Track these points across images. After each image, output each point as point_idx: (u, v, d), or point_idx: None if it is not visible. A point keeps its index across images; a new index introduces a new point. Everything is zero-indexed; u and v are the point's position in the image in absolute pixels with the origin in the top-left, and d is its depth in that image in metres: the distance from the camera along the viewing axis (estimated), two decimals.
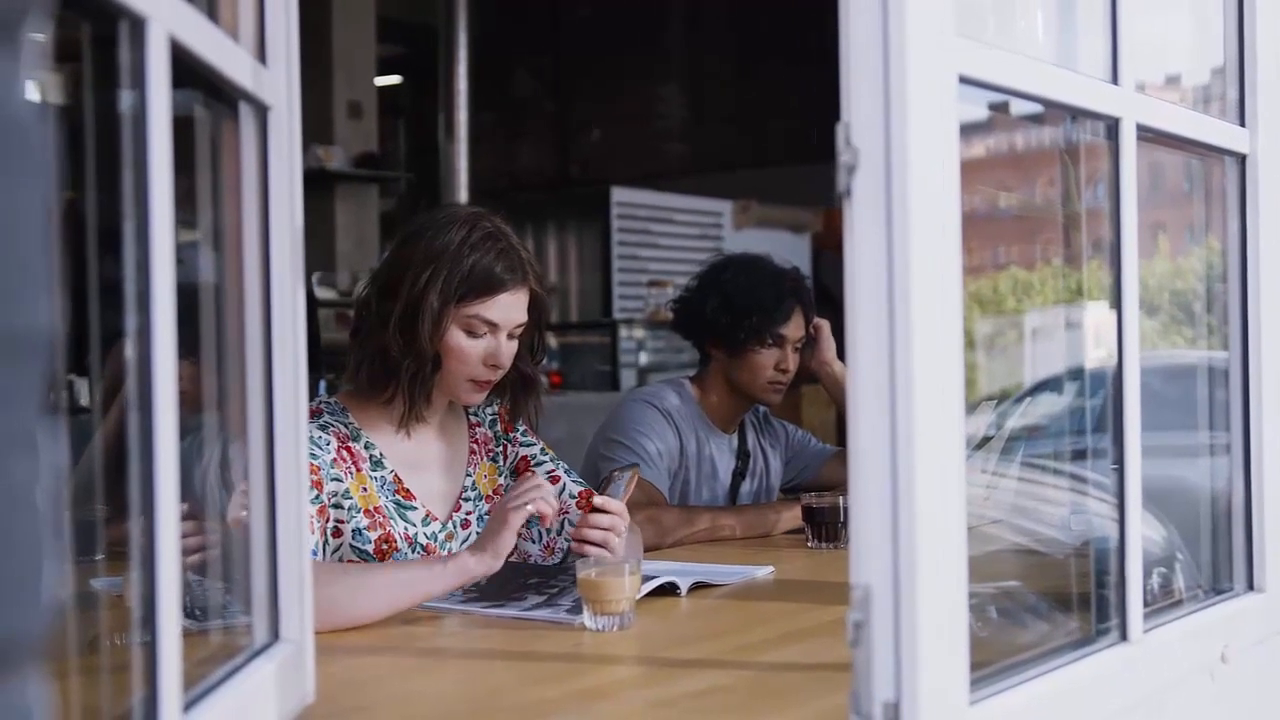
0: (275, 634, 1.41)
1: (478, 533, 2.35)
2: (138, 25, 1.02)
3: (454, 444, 2.42)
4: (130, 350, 1.04)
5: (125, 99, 1.04)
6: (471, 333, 2.25)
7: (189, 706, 1.13)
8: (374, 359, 2.26)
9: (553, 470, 2.46)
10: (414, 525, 2.29)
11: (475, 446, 2.44)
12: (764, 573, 2.43)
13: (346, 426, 2.28)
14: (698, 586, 2.26)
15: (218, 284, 1.41)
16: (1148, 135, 1.63)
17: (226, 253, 1.41)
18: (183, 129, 1.10)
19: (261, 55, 1.39)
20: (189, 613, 1.24)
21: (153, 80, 1.03)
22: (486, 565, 2.01)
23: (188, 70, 1.14)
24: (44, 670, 0.63)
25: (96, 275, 1.08)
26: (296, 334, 1.43)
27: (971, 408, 1.34)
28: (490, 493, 2.43)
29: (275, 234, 1.40)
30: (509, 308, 2.27)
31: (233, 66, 1.27)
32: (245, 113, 1.37)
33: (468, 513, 2.39)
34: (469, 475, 2.42)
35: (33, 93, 0.63)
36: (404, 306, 2.22)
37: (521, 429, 2.49)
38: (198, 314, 1.36)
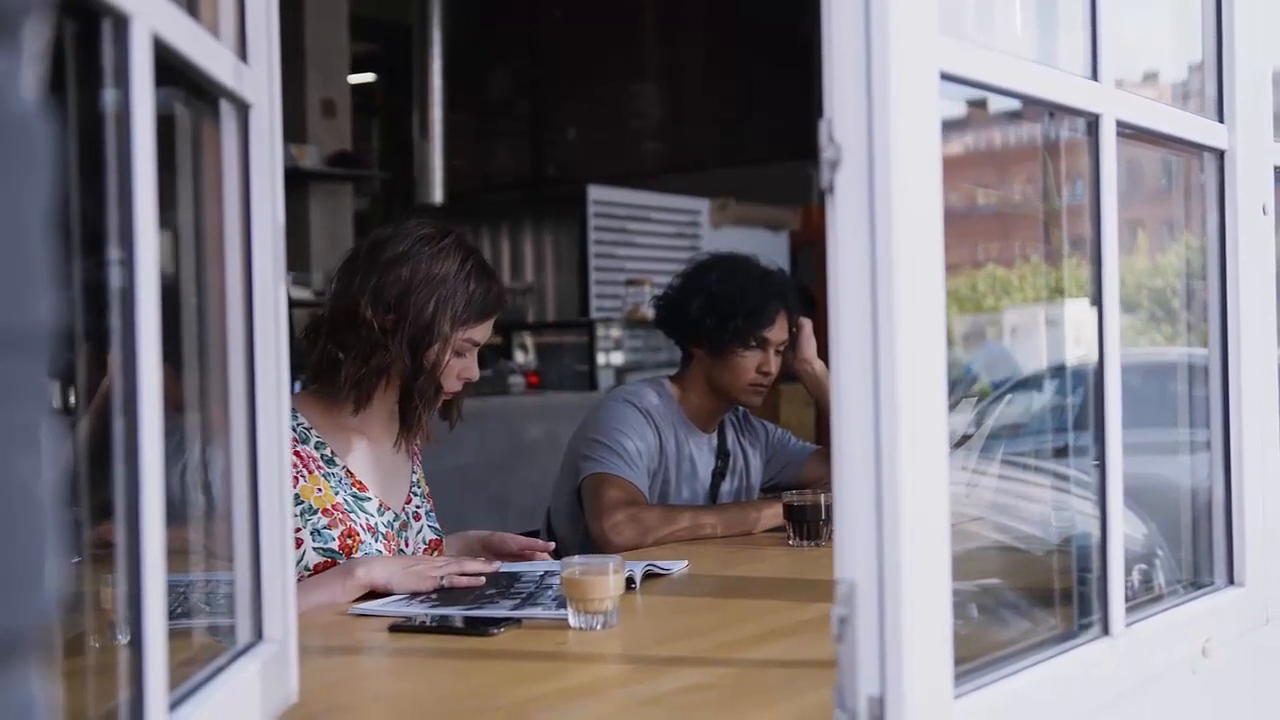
0: (259, 634, 1.41)
1: (428, 525, 2.52)
2: (121, 23, 1.01)
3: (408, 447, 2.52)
4: (113, 351, 1.03)
5: (108, 97, 1.03)
6: (458, 353, 2.39)
7: (174, 706, 1.12)
8: (376, 375, 2.34)
9: (426, 505, 2.60)
10: (372, 516, 2.38)
11: (415, 450, 2.57)
12: (679, 567, 2.45)
13: (295, 429, 2.32)
14: (649, 576, 2.32)
15: (198, 284, 1.40)
16: (1127, 131, 1.63)
17: (207, 252, 1.40)
18: (162, 127, 1.10)
19: (242, 53, 1.38)
20: (170, 613, 1.24)
21: (136, 78, 1.02)
22: (371, 576, 2.17)
23: (168, 68, 1.13)
24: (46, 664, 0.63)
25: (75, 275, 1.07)
26: (279, 334, 1.42)
27: (951, 405, 1.34)
28: (426, 493, 2.58)
29: (257, 233, 1.40)
30: (490, 329, 2.44)
31: (215, 65, 1.26)
32: (226, 111, 1.37)
33: (417, 506, 2.52)
34: (414, 473, 2.55)
35: (33, 91, 0.63)
36: (413, 330, 2.32)
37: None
38: (178, 315, 1.35)
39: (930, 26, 1.25)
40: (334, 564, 2.27)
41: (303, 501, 2.28)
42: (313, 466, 2.32)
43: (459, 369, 2.39)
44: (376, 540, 2.34)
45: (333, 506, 2.31)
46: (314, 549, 2.27)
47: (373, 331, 2.31)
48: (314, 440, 2.36)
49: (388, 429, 2.45)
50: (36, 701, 0.61)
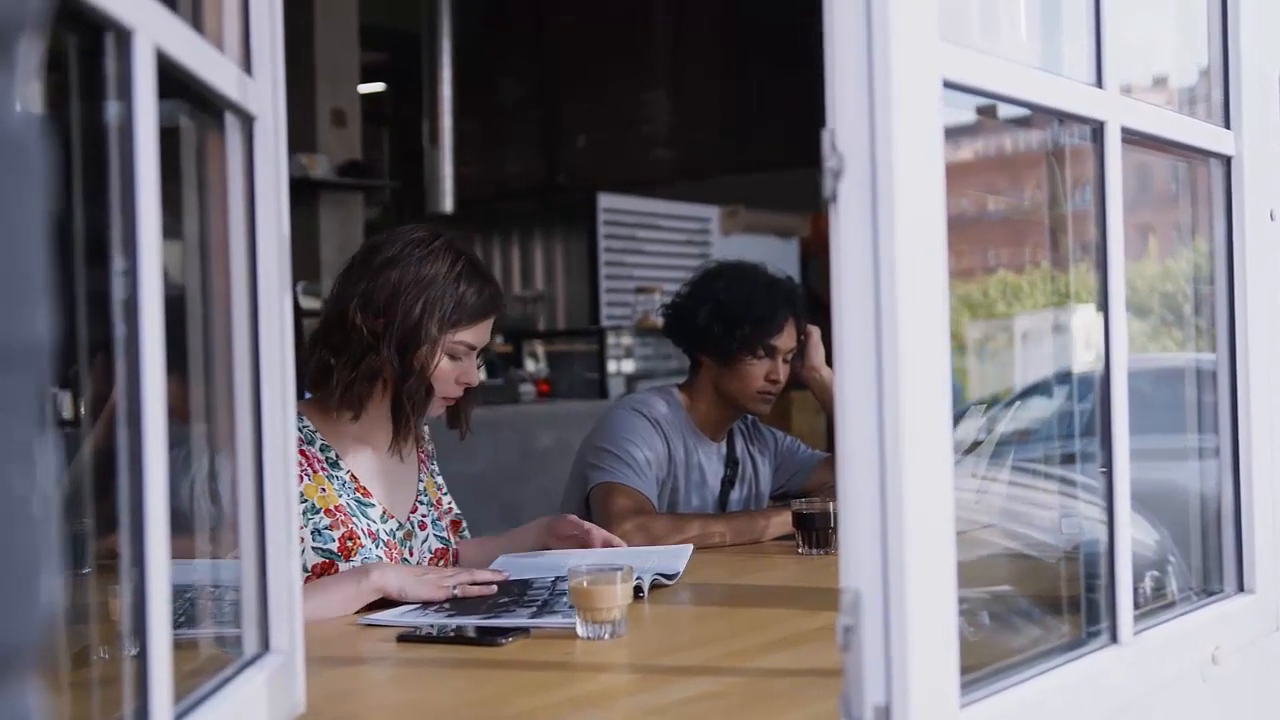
0: (265, 645, 1.41)
1: (434, 535, 2.51)
2: (124, 36, 1.02)
3: (405, 453, 2.51)
4: (117, 362, 1.04)
5: (111, 110, 1.04)
6: (453, 356, 2.38)
7: (180, 717, 1.12)
8: (367, 379, 2.34)
9: (445, 501, 2.60)
10: (374, 522, 2.38)
11: (422, 457, 2.57)
12: (685, 554, 2.47)
13: (301, 431, 2.32)
14: (656, 586, 2.31)
15: (203, 296, 1.40)
16: (1133, 138, 1.63)
17: (212, 264, 1.40)
18: (167, 139, 1.10)
19: (247, 65, 1.39)
20: (176, 623, 1.24)
21: (139, 91, 1.03)
22: (385, 581, 2.16)
23: (173, 81, 1.14)
24: (41, 679, 0.63)
25: (82, 286, 1.07)
26: (284, 345, 1.43)
27: (961, 412, 1.34)
28: (434, 501, 2.56)
29: (262, 244, 1.40)
30: (488, 331, 2.43)
31: (218, 77, 1.27)
32: (231, 123, 1.37)
33: (423, 515, 2.51)
34: (420, 481, 2.54)
35: (28, 106, 0.63)
36: (401, 332, 2.32)
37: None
38: (184, 326, 1.36)
39: (931, 34, 1.25)
40: (333, 565, 2.27)
41: (306, 500, 2.28)
42: (317, 467, 2.33)
43: (456, 373, 2.38)
44: (377, 546, 2.34)
45: (335, 508, 2.32)
46: (314, 548, 2.28)
47: (363, 336, 2.32)
48: (319, 443, 2.36)
49: (390, 437, 2.45)
50: (33, 715, 0.61)
